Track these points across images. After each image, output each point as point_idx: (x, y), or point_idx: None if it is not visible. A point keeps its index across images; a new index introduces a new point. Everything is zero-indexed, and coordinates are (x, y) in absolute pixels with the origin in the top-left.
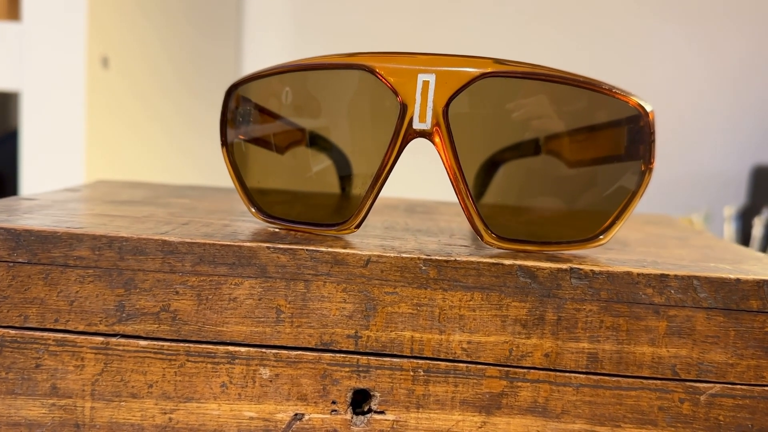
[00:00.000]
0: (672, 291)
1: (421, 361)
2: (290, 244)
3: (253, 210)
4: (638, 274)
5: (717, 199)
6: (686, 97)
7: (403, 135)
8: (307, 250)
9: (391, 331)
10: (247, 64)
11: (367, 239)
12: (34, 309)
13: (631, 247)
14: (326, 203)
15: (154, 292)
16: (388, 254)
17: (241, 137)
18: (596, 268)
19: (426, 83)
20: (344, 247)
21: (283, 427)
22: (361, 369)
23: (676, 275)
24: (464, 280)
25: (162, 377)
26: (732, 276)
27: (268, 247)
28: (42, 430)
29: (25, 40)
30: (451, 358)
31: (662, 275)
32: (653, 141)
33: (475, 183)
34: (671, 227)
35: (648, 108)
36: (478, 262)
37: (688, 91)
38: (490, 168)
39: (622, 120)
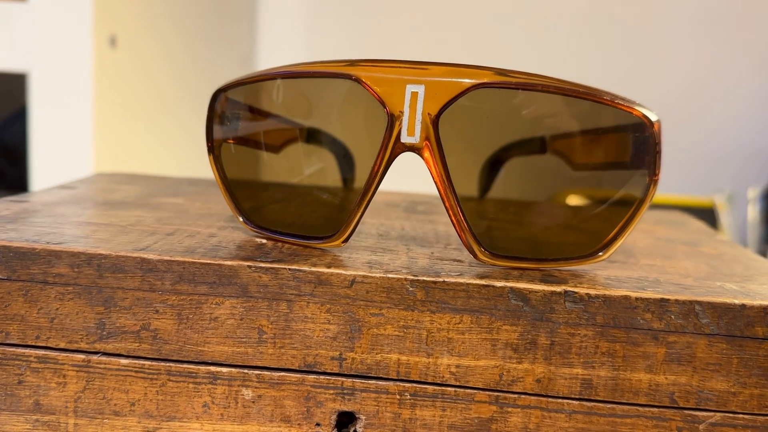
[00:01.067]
0: (672, 316)
1: (407, 385)
2: (272, 262)
3: (241, 219)
4: (637, 299)
5: (741, 179)
6: (711, 77)
7: (391, 149)
8: (289, 269)
9: (376, 354)
10: (263, 46)
11: (357, 252)
12: (15, 326)
13: (635, 258)
14: (315, 215)
15: (134, 310)
16: (373, 274)
17: (228, 144)
18: (592, 291)
19: (415, 94)
20: (329, 266)
21: None
22: (345, 391)
23: (677, 300)
24: (453, 302)
25: (144, 396)
26: (737, 301)
27: (249, 266)
28: None
29: (32, 20)
30: (438, 381)
31: (662, 300)
32: (658, 152)
33: (467, 199)
34: (683, 228)
35: (653, 118)
36: (468, 284)
37: (712, 69)
38: (483, 182)
39: (625, 130)
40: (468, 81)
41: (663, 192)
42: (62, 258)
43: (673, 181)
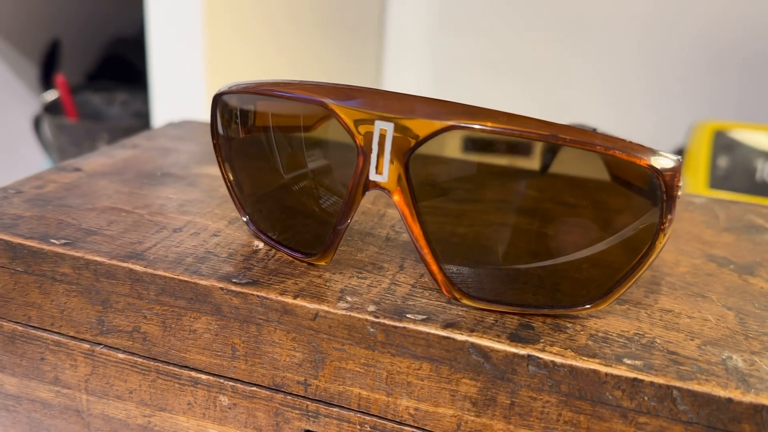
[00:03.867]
0: (646, 398)
1: (368, 418)
2: (245, 285)
3: (244, 220)
4: (606, 374)
5: None
6: None
7: (362, 185)
8: (257, 296)
9: (339, 385)
10: (392, 10)
11: (343, 269)
12: (34, 311)
13: (653, 297)
14: (306, 228)
15: (127, 313)
16: (336, 311)
17: (230, 145)
18: (558, 360)
19: (383, 132)
20: (295, 297)
21: None
22: (310, 414)
23: (652, 382)
24: (413, 349)
25: (139, 386)
26: (723, 394)
27: (221, 288)
28: (53, 410)
29: None
30: (398, 420)
31: (635, 380)
32: (667, 200)
33: (447, 234)
34: (755, 239)
35: (663, 165)
36: (428, 334)
37: None
38: (462, 221)
39: (623, 178)
40: (440, 122)
41: None
42: (66, 260)
43: None
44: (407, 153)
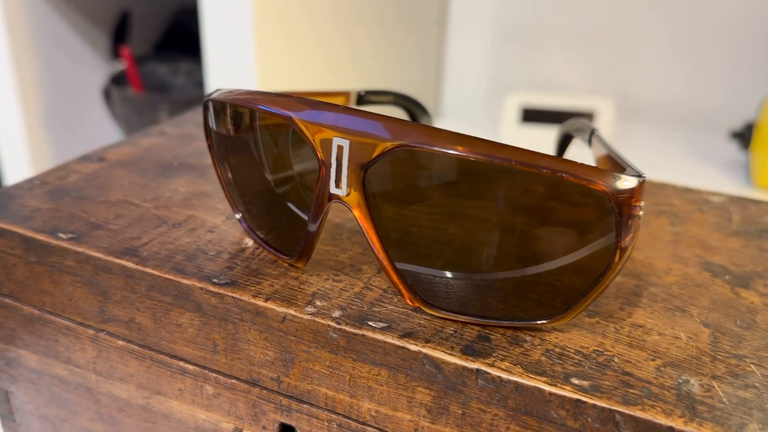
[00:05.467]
0: (589, 419)
1: (334, 416)
2: (221, 287)
3: (237, 217)
4: (550, 393)
5: None
6: None
7: (326, 197)
8: (233, 297)
9: (307, 383)
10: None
11: (321, 271)
12: (48, 298)
13: (627, 309)
14: (287, 231)
15: (123, 305)
16: (302, 316)
17: (219, 147)
18: (505, 376)
19: (340, 148)
20: (266, 300)
21: None
22: (284, 408)
23: (595, 405)
24: (372, 356)
25: (137, 371)
26: (664, 422)
27: (201, 288)
28: (68, 386)
29: None
30: (361, 420)
31: (578, 401)
32: (624, 221)
33: (406, 255)
34: (764, 245)
35: (616, 187)
36: (385, 343)
37: None
38: (425, 234)
39: (575, 200)
40: (391, 141)
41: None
42: (70, 254)
43: None
44: (363, 168)
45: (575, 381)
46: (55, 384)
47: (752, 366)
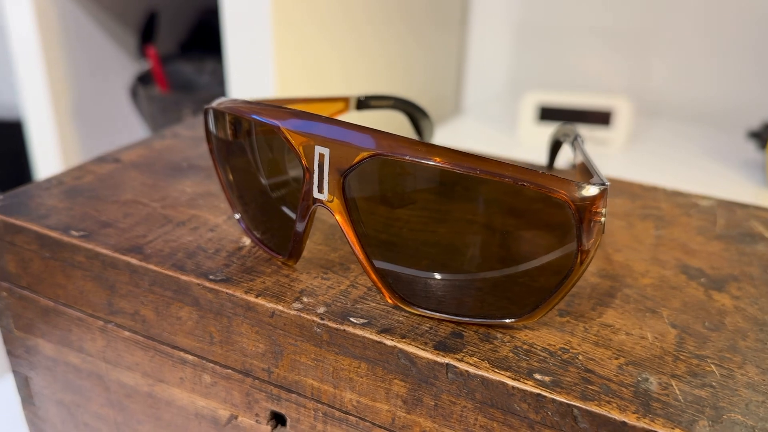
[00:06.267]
0: (549, 413)
1: (319, 405)
2: (216, 284)
3: (236, 217)
4: (513, 387)
5: None
6: None
7: (311, 201)
8: (227, 293)
9: (295, 375)
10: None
11: (311, 269)
12: (61, 291)
13: (599, 309)
14: (280, 232)
15: (129, 298)
16: (289, 311)
17: (219, 151)
18: (472, 370)
19: (322, 156)
20: (256, 296)
21: (224, 421)
22: (274, 397)
23: (553, 399)
24: (352, 349)
25: (143, 360)
26: (618, 417)
27: (198, 284)
28: (81, 373)
29: None
30: (343, 409)
31: (539, 395)
32: (585, 227)
33: (385, 256)
34: (751, 250)
35: (576, 195)
36: (364, 337)
37: None
38: (405, 236)
39: (537, 206)
40: (367, 150)
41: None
42: (80, 250)
43: None
44: (343, 175)
45: (538, 376)
46: (69, 371)
47: (712, 366)
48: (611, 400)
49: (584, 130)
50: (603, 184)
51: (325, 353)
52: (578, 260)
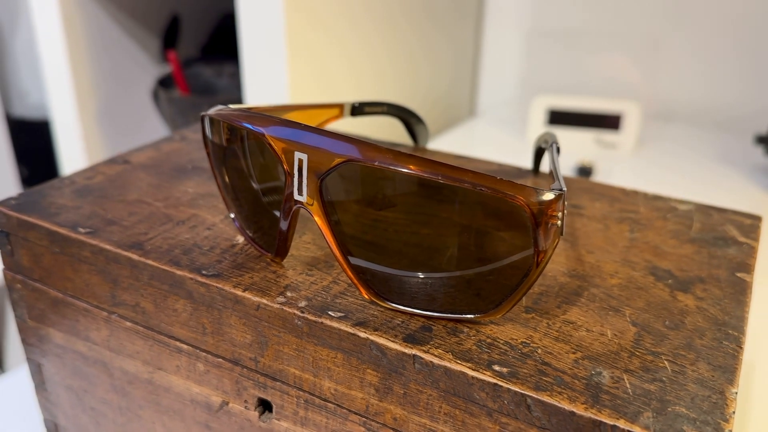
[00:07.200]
0: (505, 401)
1: (301, 393)
2: (208, 278)
3: (231, 216)
4: (473, 377)
5: None
6: None
7: (291, 201)
8: (217, 287)
9: (279, 364)
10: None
11: (297, 265)
12: (69, 284)
13: (564, 307)
14: (269, 231)
15: (130, 291)
16: (273, 305)
17: (215, 155)
18: (436, 361)
19: (301, 161)
20: (244, 290)
21: (217, 407)
22: (260, 384)
23: (509, 389)
24: (330, 341)
25: (143, 349)
26: (567, 407)
27: (191, 278)
28: (88, 360)
29: None
30: (323, 397)
31: (495, 385)
32: (541, 230)
33: (361, 254)
34: (722, 252)
35: (532, 199)
36: (340, 330)
37: None
38: (380, 236)
39: (501, 209)
40: (341, 156)
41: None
42: (86, 246)
43: None
44: (320, 178)
45: (496, 368)
46: (77, 358)
47: (666, 362)
48: (563, 391)
49: (594, 134)
50: (560, 190)
51: (306, 344)
52: (536, 260)
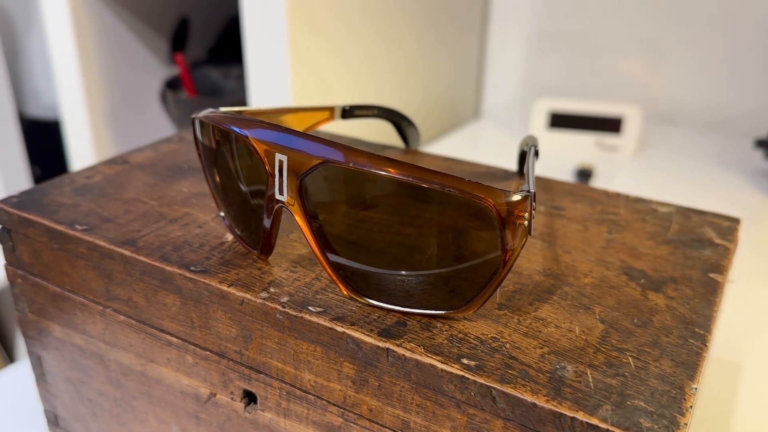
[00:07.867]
0: (472, 393)
1: (283, 385)
2: (196, 274)
3: (221, 215)
4: (442, 370)
5: None
6: None
7: (273, 201)
8: (204, 282)
9: (263, 357)
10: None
11: (283, 262)
12: (67, 279)
13: (535, 304)
14: (255, 229)
15: (123, 286)
16: (256, 300)
17: (205, 156)
18: (408, 354)
19: (281, 162)
20: (229, 286)
21: (205, 398)
22: (245, 377)
23: (475, 381)
24: (309, 334)
25: (135, 342)
26: (528, 399)
27: (180, 274)
28: (85, 353)
29: None
30: (303, 389)
31: (462, 378)
32: (508, 229)
33: (340, 251)
34: (697, 254)
35: (499, 200)
36: (318, 324)
37: None
38: (358, 234)
39: (472, 210)
40: (319, 157)
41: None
42: (82, 243)
43: None
44: (299, 179)
45: (465, 361)
46: (75, 351)
47: (630, 358)
48: (527, 383)
49: (594, 137)
50: (528, 191)
51: (287, 338)
52: (503, 259)
